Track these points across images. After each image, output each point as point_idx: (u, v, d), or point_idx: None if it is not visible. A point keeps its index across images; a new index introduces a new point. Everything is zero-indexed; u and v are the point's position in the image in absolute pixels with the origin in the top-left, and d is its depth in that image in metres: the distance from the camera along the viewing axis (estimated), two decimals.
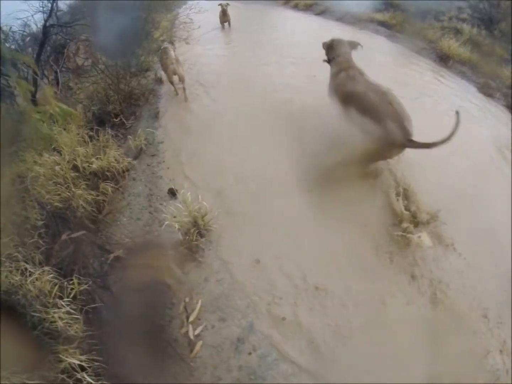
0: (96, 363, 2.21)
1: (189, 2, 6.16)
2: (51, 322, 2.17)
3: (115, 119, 4.28)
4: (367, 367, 2.29)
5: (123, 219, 3.29)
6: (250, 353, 2.42)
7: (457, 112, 2.79)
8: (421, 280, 2.81)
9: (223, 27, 6.64)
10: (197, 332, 2.51)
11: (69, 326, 2.22)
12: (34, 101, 4.05)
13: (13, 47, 4.51)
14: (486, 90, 5.19)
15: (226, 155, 3.82)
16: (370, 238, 3.04)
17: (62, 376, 2.05)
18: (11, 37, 4.61)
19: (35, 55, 4.32)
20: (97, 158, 3.47)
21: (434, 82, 5.12)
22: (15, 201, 3.14)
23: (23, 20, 4.73)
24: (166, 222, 2.99)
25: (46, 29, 4.16)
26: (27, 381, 1.94)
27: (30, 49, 4.76)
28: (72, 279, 2.51)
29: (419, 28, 5.99)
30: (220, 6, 6.37)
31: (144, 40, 4.88)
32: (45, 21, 4.21)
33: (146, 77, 5.16)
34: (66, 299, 2.37)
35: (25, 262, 2.55)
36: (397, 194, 3.32)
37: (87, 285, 2.55)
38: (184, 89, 4.78)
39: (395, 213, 3.18)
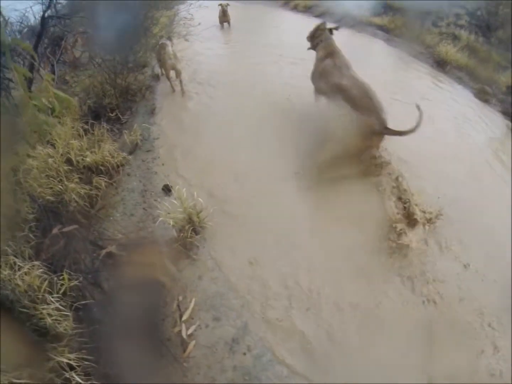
0: (86, 362, 2.11)
1: (188, 2, 6.09)
2: (40, 318, 2.08)
3: (110, 114, 4.19)
4: (362, 370, 2.25)
5: (116, 215, 3.20)
6: (244, 354, 2.35)
7: (417, 106, 3.18)
8: (417, 282, 2.79)
9: (222, 26, 6.60)
10: (190, 331, 2.44)
11: (58, 323, 2.13)
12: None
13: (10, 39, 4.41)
14: (482, 96, 5.24)
15: (222, 153, 3.77)
16: (366, 240, 3.01)
17: (50, 375, 1.96)
18: (9, 28, 4.51)
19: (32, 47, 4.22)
20: (91, 152, 3.38)
21: (432, 87, 5.16)
22: (6, 193, 3.03)
23: (21, 12, 4.63)
24: (160, 218, 2.91)
25: (44, 20, 4.06)
26: (14, 380, 1.85)
27: (27, 41, 4.66)
28: (62, 275, 2.41)
29: (418, 32, 6.01)
30: (220, 6, 6.33)
31: (142, 36, 4.79)
32: (44, 12, 4.10)
33: (143, 73, 5.07)
34: (55, 295, 2.27)
35: (15, 256, 2.45)
36: (394, 196, 3.33)
37: (78, 281, 2.45)
38: (181, 82, 4.76)
39: (390, 216, 3.16)
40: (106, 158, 3.42)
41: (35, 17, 4.55)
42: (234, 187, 3.42)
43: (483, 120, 4.79)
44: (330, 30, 3.96)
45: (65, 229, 2.64)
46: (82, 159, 3.34)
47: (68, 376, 1.96)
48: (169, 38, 4.87)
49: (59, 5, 4.60)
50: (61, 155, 3.31)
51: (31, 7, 4.42)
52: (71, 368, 2.03)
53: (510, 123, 4.78)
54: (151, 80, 5.05)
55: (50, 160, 3.22)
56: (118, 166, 3.54)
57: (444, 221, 3.17)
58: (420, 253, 2.98)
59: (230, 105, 4.48)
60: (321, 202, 3.28)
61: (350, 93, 3.34)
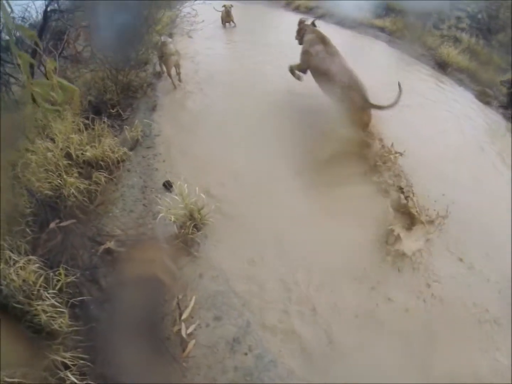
0: (82, 361, 2.02)
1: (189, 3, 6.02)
2: (34, 315, 1.97)
3: (111, 110, 4.09)
4: (362, 370, 2.18)
5: (115, 211, 3.10)
6: (246, 354, 2.26)
7: (399, 83, 3.40)
8: (418, 282, 2.73)
9: (224, 26, 6.51)
10: (190, 330, 2.34)
11: (53, 320, 2.02)
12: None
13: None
14: (483, 98, 5.17)
15: (221, 153, 3.68)
16: (366, 240, 2.94)
17: (44, 374, 1.85)
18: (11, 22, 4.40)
19: (33, 43, 4.11)
20: (91, 146, 3.27)
21: (434, 88, 5.10)
22: (4, 188, 2.93)
23: (23, 7, 4.54)
24: (161, 214, 2.82)
25: (46, 14, 3.96)
26: (6, 379, 1.74)
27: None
28: (58, 270, 2.30)
29: (419, 34, 5.94)
30: (224, 7, 6.27)
31: (144, 33, 4.70)
32: (46, 6, 4.01)
33: (145, 71, 4.98)
34: (51, 291, 2.16)
35: (10, 251, 2.35)
36: (395, 196, 3.30)
37: (75, 277, 2.35)
38: (179, 73, 4.77)
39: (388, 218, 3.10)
40: (106, 153, 3.32)
41: (37, 12, 4.46)
42: (233, 187, 3.33)
43: (485, 121, 4.73)
44: (313, 24, 4.31)
45: (63, 224, 2.54)
46: (82, 154, 3.25)
47: (62, 376, 1.85)
48: (170, 35, 4.79)
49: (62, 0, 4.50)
50: (61, 149, 3.21)
51: (33, 1, 4.34)
52: (66, 367, 1.92)
53: (510, 125, 4.72)
54: (152, 78, 4.95)
55: (49, 154, 3.13)
56: (118, 162, 3.44)
57: (446, 221, 3.10)
58: (420, 254, 2.90)
59: (230, 105, 4.41)
60: (321, 202, 3.19)
61: (338, 76, 3.67)
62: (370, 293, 2.63)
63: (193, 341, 2.29)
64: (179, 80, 4.80)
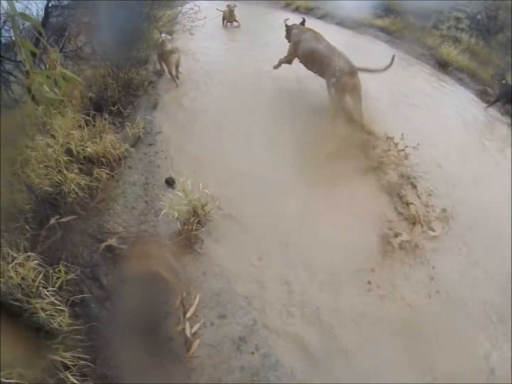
0: (82, 362, 1.91)
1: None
2: (32, 313, 1.85)
3: (112, 107, 3.98)
4: (364, 370, 2.13)
5: (116, 208, 2.99)
6: (252, 353, 2.17)
7: (393, 55, 3.66)
8: (420, 282, 2.66)
9: (225, 26, 6.43)
10: (194, 329, 2.24)
11: (53, 319, 1.91)
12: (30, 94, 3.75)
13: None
14: (484, 97, 5.14)
15: (222, 150, 3.60)
16: (368, 240, 2.87)
17: (42, 375, 1.74)
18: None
19: (34, 39, 4.02)
20: (93, 142, 3.17)
21: (435, 87, 5.08)
22: (3, 184, 2.82)
23: (23, 4, 4.45)
24: (164, 210, 2.72)
25: (48, 10, 3.86)
26: (3, 380, 1.63)
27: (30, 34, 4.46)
28: (58, 267, 2.19)
29: (419, 34, 5.89)
30: (228, 7, 6.20)
31: (145, 31, 4.61)
32: (48, 1, 3.91)
33: (146, 69, 4.88)
34: (50, 289, 2.05)
35: (9, 248, 2.23)
36: (398, 195, 3.27)
37: (75, 274, 2.23)
38: (177, 68, 4.71)
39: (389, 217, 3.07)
40: (107, 149, 3.21)
41: (37, 10, 4.37)
42: (233, 185, 3.23)
43: (487, 119, 4.72)
44: (303, 23, 4.61)
45: (63, 220, 2.43)
46: (83, 149, 3.14)
47: (62, 377, 1.74)
48: (170, 33, 4.72)
49: None
50: (61, 145, 3.10)
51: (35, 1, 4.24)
52: (66, 367, 1.81)
53: (510, 120, 4.69)
54: (153, 76, 4.86)
55: (49, 150, 3.02)
56: (120, 159, 3.34)
57: (452, 218, 3.08)
58: (424, 252, 2.86)
59: (230, 104, 4.33)
60: (323, 200, 3.12)
61: (324, 50, 4.00)
62: (373, 292, 2.56)
63: (197, 341, 2.19)
64: (177, 77, 4.73)
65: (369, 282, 2.61)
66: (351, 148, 3.50)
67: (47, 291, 2.03)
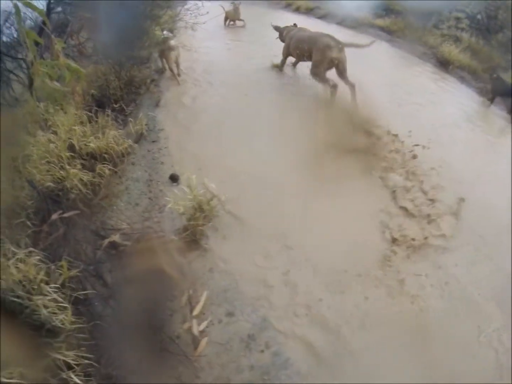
0: (86, 361, 1.79)
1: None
2: (33, 310, 1.74)
3: (114, 105, 3.89)
4: (368, 371, 2.02)
5: (120, 204, 2.89)
6: (262, 351, 2.06)
7: (373, 40, 4.23)
8: (427, 278, 2.56)
9: (227, 25, 6.37)
10: (202, 327, 2.14)
11: (55, 316, 1.79)
12: (30, 86, 3.66)
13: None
14: (485, 94, 5.06)
15: (224, 149, 3.52)
16: (370, 239, 2.76)
17: (44, 375, 1.62)
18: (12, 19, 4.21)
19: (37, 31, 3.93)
20: (95, 137, 3.07)
21: (437, 85, 5.04)
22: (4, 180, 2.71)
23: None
24: (169, 205, 2.62)
25: (50, 5, 3.77)
26: (3, 379, 1.52)
27: (32, 31, 4.37)
28: (61, 264, 2.08)
29: (420, 34, 5.85)
30: (232, 5, 6.14)
31: (148, 29, 4.54)
32: None
33: (148, 67, 4.81)
34: (53, 285, 1.94)
35: (10, 244, 2.12)
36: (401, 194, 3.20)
37: (78, 270, 2.12)
38: (178, 66, 4.69)
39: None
40: (110, 145, 3.12)
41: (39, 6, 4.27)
42: (233, 184, 3.12)
43: (490, 117, 4.66)
44: (295, 25, 4.99)
45: (66, 215, 2.32)
46: (86, 145, 3.03)
47: (65, 377, 1.63)
48: (171, 30, 4.65)
49: None
50: (63, 141, 3.00)
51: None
52: (69, 367, 1.69)
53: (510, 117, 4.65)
54: (155, 74, 4.78)
55: (51, 145, 2.92)
56: (123, 155, 3.25)
57: (456, 217, 3.03)
58: (428, 251, 2.76)
59: (232, 103, 4.29)
60: (325, 199, 2.98)
61: (311, 35, 4.40)
62: (379, 291, 2.45)
63: (205, 339, 2.08)
64: (179, 75, 4.69)
65: (374, 281, 2.50)
66: (354, 148, 3.42)
67: (50, 287, 1.92)
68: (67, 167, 2.76)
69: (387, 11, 6.26)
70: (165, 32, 4.54)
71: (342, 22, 6.28)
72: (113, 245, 2.52)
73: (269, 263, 2.54)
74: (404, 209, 3.06)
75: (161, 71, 4.83)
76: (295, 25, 4.93)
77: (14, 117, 3.41)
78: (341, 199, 2.98)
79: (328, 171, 3.18)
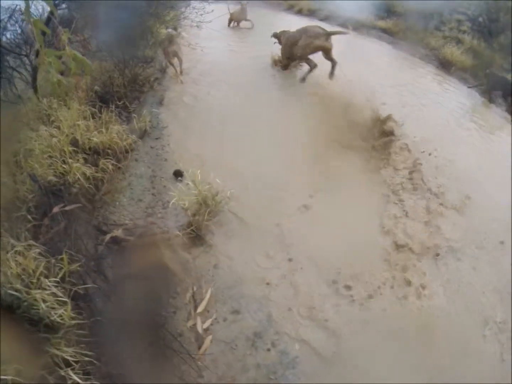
0: (86, 359, 1.69)
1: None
2: (31, 304, 1.63)
3: (118, 102, 3.80)
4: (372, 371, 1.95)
5: (123, 200, 2.80)
6: (269, 350, 1.97)
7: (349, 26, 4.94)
8: (430, 278, 2.51)
9: (231, 26, 6.31)
10: (206, 325, 2.05)
11: (53, 311, 1.69)
12: (34, 88, 3.59)
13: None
14: (485, 95, 5.01)
15: (225, 148, 3.45)
16: (371, 239, 2.70)
17: (41, 372, 1.52)
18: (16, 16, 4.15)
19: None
20: (99, 132, 2.98)
21: (440, 87, 5.03)
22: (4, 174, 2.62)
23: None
24: (173, 200, 2.53)
25: (55, 2, 3.70)
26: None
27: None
28: (61, 257, 1.98)
29: (422, 35, 5.80)
30: (241, 5, 6.10)
31: (152, 27, 4.49)
32: None
33: (152, 66, 4.74)
34: (52, 279, 1.84)
35: (10, 237, 2.03)
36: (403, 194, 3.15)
37: (78, 265, 2.02)
38: (180, 64, 4.66)
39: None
40: (114, 140, 3.03)
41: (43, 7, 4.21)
42: (234, 184, 3.02)
43: (493, 117, 4.62)
44: None
45: (67, 208, 2.22)
46: (89, 140, 2.94)
47: (63, 374, 1.52)
48: (175, 28, 4.60)
49: None
50: (66, 135, 2.91)
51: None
52: (68, 364, 1.59)
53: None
54: (158, 72, 4.71)
55: (54, 140, 2.83)
56: (126, 151, 3.16)
57: (461, 216, 2.99)
58: (432, 251, 2.70)
59: (233, 102, 4.23)
60: (328, 199, 2.96)
61: (302, 30, 4.54)
62: (381, 291, 2.39)
63: (209, 337, 1.99)
64: (180, 72, 4.66)
65: (376, 281, 2.44)
66: (356, 145, 3.41)
67: (49, 281, 1.82)
68: (70, 160, 2.66)
69: (389, 13, 6.21)
70: (169, 29, 4.47)
71: (344, 24, 6.20)
72: (115, 240, 2.43)
73: (261, 267, 2.45)
74: (407, 208, 3.00)
75: (163, 70, 4.75)
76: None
77: (16, 114, 3.34)
78: (344, 198, 2.94)
79: (329, 170, 3.16)
